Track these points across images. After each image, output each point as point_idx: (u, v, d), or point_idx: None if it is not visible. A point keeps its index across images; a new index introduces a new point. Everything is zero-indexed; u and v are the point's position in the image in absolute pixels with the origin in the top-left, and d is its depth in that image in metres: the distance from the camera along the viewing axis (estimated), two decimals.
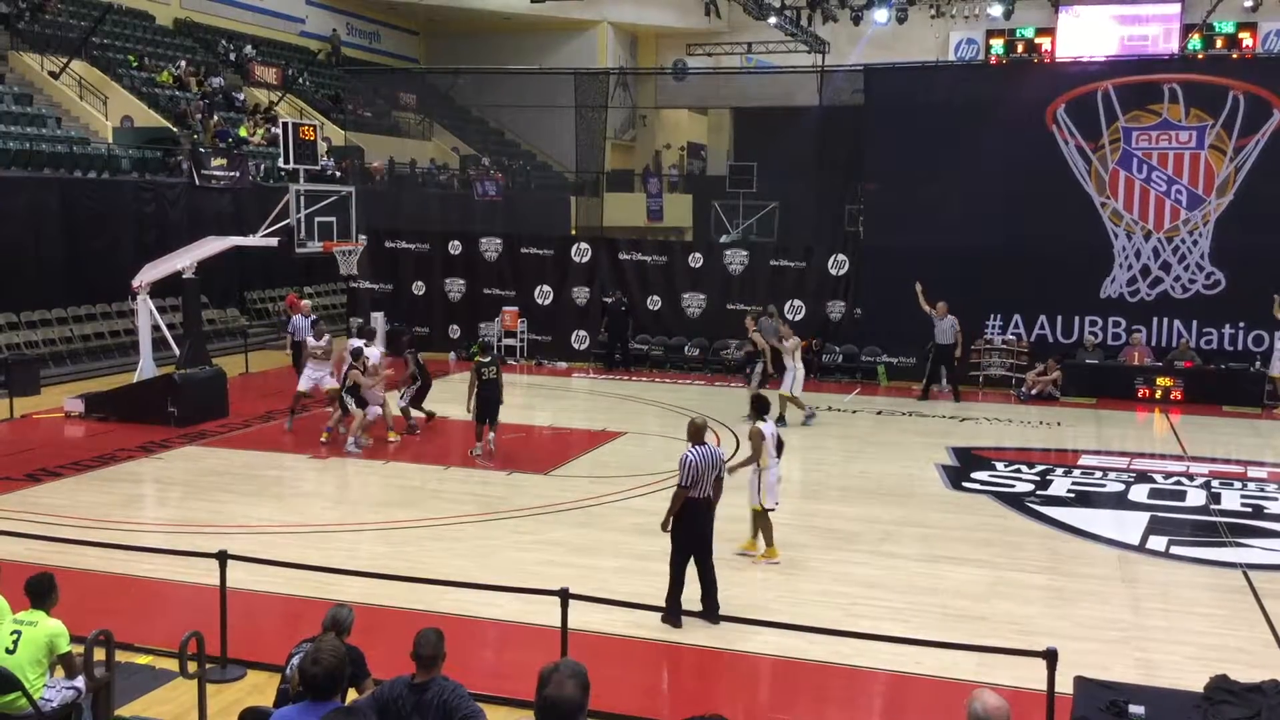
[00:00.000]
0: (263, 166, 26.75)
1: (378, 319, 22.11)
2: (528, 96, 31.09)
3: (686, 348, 22.23)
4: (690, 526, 8.80)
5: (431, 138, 37.87)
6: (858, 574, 10.12)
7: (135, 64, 27.94)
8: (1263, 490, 13.31)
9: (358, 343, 15.55)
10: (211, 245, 18.87)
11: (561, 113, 28.20)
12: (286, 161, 18.90)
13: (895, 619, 8.83)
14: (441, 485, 13.24)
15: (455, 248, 23.70)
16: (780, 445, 10.67)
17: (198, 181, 23.98)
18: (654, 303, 22.59)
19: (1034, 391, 19.15)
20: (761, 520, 10.42)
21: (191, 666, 6.62)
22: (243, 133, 28.08)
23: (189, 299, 19.33)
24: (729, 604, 8.81)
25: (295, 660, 5.61)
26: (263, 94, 31.88)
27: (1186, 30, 33.52)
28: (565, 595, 7.04)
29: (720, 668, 8.18)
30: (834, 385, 20.12)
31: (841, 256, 21.39)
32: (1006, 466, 14.26)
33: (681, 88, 37.22)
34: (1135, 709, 6.71)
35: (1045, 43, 34.94)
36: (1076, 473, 14.02)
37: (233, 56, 32.62)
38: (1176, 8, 33.84)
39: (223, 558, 7.64)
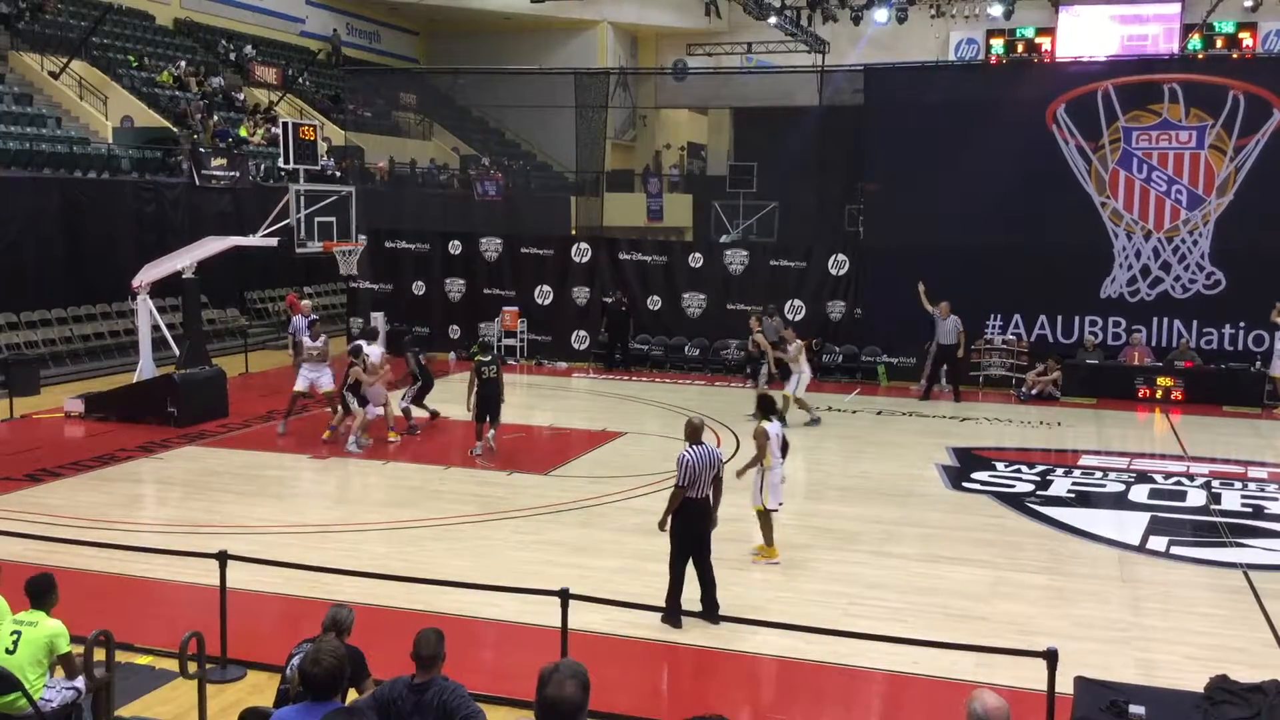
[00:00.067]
0: (263, 166, 26.75)
1: (378, 319, 22.12)
2: (528, 96, 31.04)
3: (686, 348, 22.22)
4: (688, 526, 8.80)
5: (431, 138, 37.87)
6: (858, 574, 10.12)
7: (135, 64, 27.94)
8: (1263, 490, 13.31)
9: (359, 341, 15.57)
10: (211, 245, 18.87)
11: (561, 113, 28.16)
12: (286, 161, 18.91)
13: (895, 619, 8.83)
14: (442, 485, 13.24)
15: (455, 248, 23.70)
16: (785, 446, 10.67)
17: (198, 181, 23.99)
18: (654, 303, 22.59)
19: (1034, 391, 19.15)
20: (763, 520, 10.42)
21: (191, 667, 6.62)
22: (243, 133, 28.09)
23: (189, 299, 19.33)
24: (729, 604, 8.81)
25: (295, 660, 5.60)
26: (263, 94, 31.88)
27: (1186, 30, 33.49)
28: (565, 595, 7.04)
29: (720, 668, 8.18)
30: (834, 385, 20.11)
31: (841, 256, 21.38)
32: (1007, 467, 14.26)
33: (681, 88, 37.17)
34: (1135, 709, 6.70)
35: (1045, 43, 34.90)
36: (1077, 473, 14.02)
37: (233, 56, 32.61)
38: (1176, 8, 33.82)
39: (223, 558, 7.63)
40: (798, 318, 20.91)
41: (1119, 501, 12.72)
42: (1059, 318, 20.14)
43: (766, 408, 10.70)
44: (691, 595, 8.75)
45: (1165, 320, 19.67)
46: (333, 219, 18.67)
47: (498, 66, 32.89)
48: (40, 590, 6.37)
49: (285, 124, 19.49)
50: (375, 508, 12.32)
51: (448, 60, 38.90)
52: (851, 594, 9.60)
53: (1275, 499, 12.85)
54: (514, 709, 6.86)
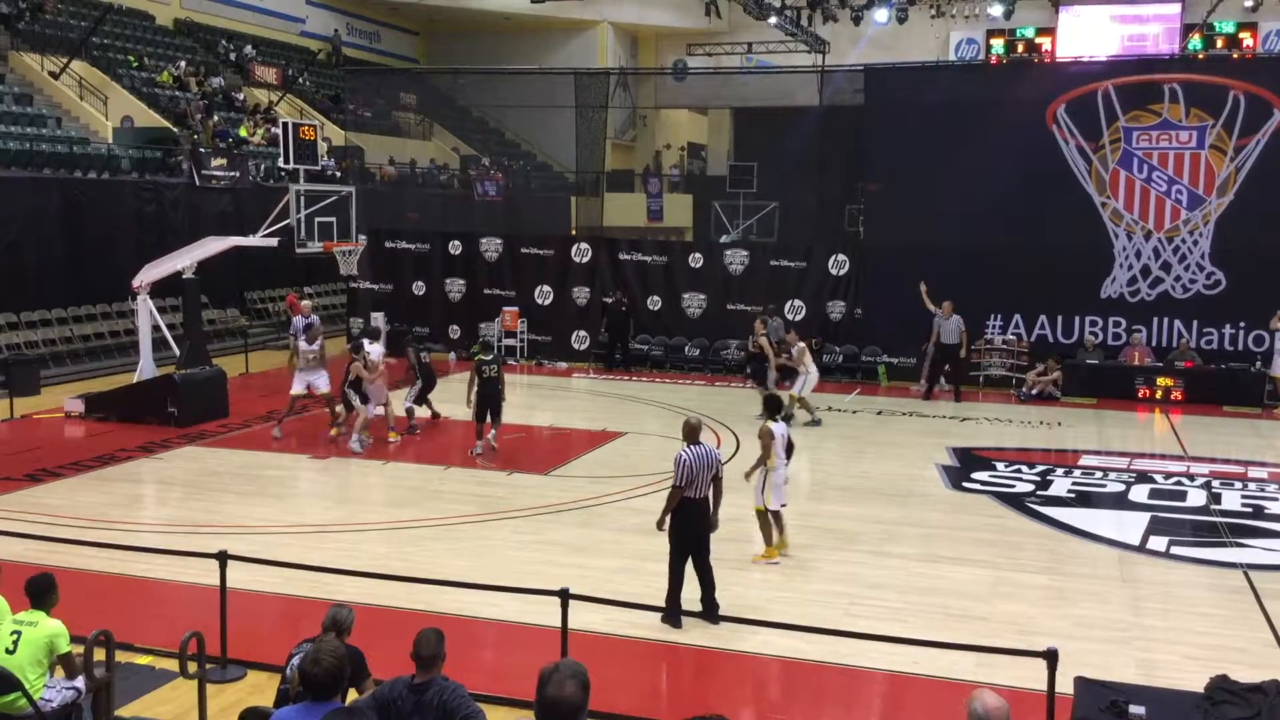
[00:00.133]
0: (263, 166, 26.75)
1: (378, 319, 22.12)
2: (528, 96, 31.05)
3: (686, 348, 22.22)
4: (686, 526, 8.80)
5: (431, 138, 37.86)
6: (858, 574, 10.12)
7: (135, 64, 27.94)
8: (1263, 490, 13.31)
9: (361, 339, 15.60)
10: (211, 245, 18.86)
11: (562, 113, 28.14)
12: (286, 161, 18.91)
13: (895, 619, 8.83)
14: (442, 485, 13.24)
15: (455, 248, 23.70)
16: (791, 447, 10.67)
17: (198, 181, 23.98)
18: (654, 303, 22.59)
19: (1034, 391, 19.14)
20: (763, 520, 10.41)
21: (191, 667, 6.62)
22: (243, 133, 28.08)
23: (189, 299, 19.33)
24: (729, 604, 8.81)
25: (295, 660, 5.60)
26: (263, 94, 31.87)
27: (1186, 30, 33.49)
28: (565, 595, 7.04)
29: (720, 668, 8.18)
30: (834, 385, 20.10)
31: (841, 256, 21.38)
32: (1007, 467, 14.25)
33: (681, 88, 37.16)
34: (1135, 709, 6.70)
35: (1045, 43, 34.90)
36: (1077, 473, 14.01)
37: (233, 56, 32.61)
38: (1176, 8, 33.82)
39: (223, 558, 7.63)
40: (798, 318, 20.91)
41: (1119, 501, 12.72)
42: (1059, 318, 20.13)
43: (773, 408, 10.71)
44: (691, 595, 8.75)
45: (1165, 320, 19.67)
46: (333, 219, 18.67)
47: (498, 66, 32.88)
48: (40, 590, 6.37)
49: (285, 124, 19.48)
50: (375, 508, 12.33)
51: (448, 60, 38.90)
52: (852, 594, 9.60)
53: (1275, 499, 12.84)
54: (514, 709, 6.85)
